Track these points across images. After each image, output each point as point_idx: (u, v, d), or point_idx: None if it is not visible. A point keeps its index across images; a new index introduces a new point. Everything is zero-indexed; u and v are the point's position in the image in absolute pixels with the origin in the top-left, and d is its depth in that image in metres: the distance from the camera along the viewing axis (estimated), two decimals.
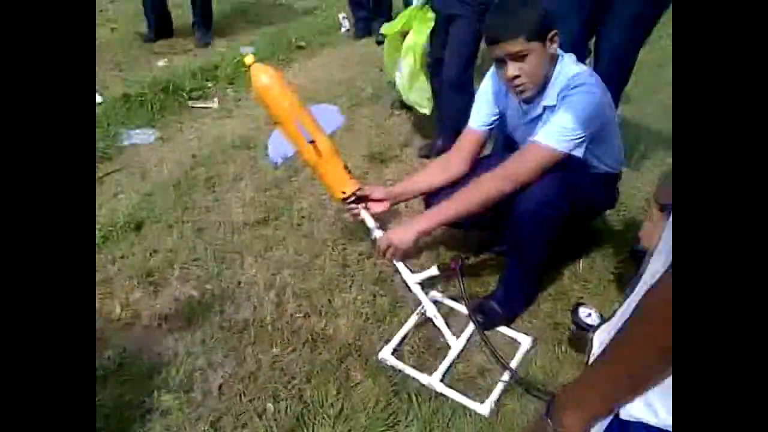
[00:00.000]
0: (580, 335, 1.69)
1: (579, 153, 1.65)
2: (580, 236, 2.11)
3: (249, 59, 1.67)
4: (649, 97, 3.33)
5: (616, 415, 0.76)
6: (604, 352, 0.77)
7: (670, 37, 3.39)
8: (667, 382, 0.70)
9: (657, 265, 0.78)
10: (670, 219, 0.72)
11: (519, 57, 1.58)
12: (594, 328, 0.91)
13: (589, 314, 1.64)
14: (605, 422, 0.77)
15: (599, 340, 0.88)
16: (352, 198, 1.77)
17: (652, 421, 0.72)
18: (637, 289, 0.81)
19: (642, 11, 2.12)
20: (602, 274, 2.02)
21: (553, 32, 1.60)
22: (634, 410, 0.73)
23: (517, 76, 1.61)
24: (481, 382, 1.66)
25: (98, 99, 3.11)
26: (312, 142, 1.65)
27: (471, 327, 1.79)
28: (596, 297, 1.93)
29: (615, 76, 2.17)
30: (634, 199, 2.38)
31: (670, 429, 0.71)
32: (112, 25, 4.11)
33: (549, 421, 0.78)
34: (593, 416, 0.74)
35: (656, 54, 3.68)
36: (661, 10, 2.15)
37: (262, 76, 1.65)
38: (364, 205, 1.80)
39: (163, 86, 3.24)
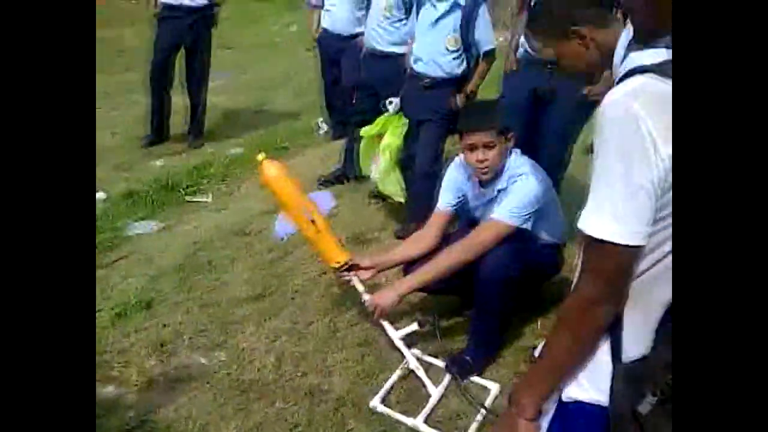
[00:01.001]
0: None
1: (527, 226, 2.05)
2: (535, 300, 2.46)
3: (261, 156, 2.06)
4: (586, 181, 3.83)
5: (560, 400, 1.06)
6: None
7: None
8: (592, 365, 1.01)
9: None
10: None
11: (489, 145, 2.02)
12: None
13: None
14: (551, 410, 1.07)
15: None
16: (345, 267, 2.12)
17: (583, 396, 1.03)
18: None
19: (570, 119, 2.63)
20: (535, 360, 2.35)
21: (511, 133, 2.06)
22: (570, 392, 1.04)
23: (486, 160, 2.03)
24: (459, 422, 1.93)
25: (103, 196, 3.45)
26: (312, 220, 2.01)
27: (448, 377, 2.09)
28: None
29: (554, 166, 2.63)
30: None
31: (599, 403, 1.01)
32: (113, 131, 4.54)
33: (510, 405, 1.08)
34: (541, 396, 1.05)
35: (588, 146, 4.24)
36: (588, 114, 2.67)
37: (272, 168, 2.03)
38: (354, 273, 2.14)
39: (163, 184, 3.61)
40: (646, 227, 0.88)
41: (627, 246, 0.89)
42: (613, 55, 1.08)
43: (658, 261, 0.94)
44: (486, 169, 2.07)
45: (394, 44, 3.19)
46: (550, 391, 1.06)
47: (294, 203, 2.05)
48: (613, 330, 0.99)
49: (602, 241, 0.90)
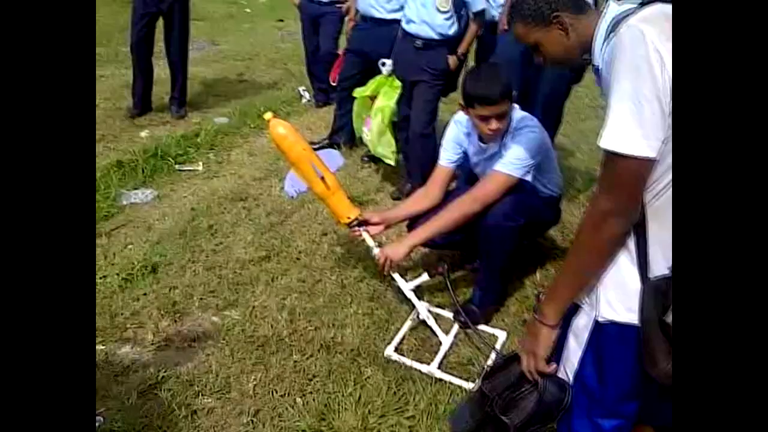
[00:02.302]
0: None
1: (529, 177, 2.13)
2: (534, 252, 2.56)
3: (268, 115, 2.07)
4: (578, 144, 3.96)
5: (596, 322, 1.14)
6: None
7: (588, 97, 4.03)
8: (623, 286, 1.09)
9: None
10: None
11: (501, 116, 2.05)
12: None
13: None
14: (589, 327, 1.16)
15: None
16: (355, 222, 2.17)
17: (617, 318, 1.12)
18: None
19: (562, 77, 2.70)
20: (556, 273, 2.47)
21: (514, 93, 2.10)
22: (605, 313, 1.12)
23: (498, 129, 2.07)
24: (470, 368, 2.03)
25: None
26: (322, 177, 2.05)
27: (456, 326, 2.17)
28: None
29: (548, 122, 2.71)
30: (572, 221, 2.88)
31: (631, 322, 1.09)
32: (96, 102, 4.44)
33: (535, 315, 1.17)
34: (562, 304, 1.14)
35: (580, 111, 4.37)
36: (577, 74, 2.76)
37: (280, 127, 2.05)
38: (364, 228, 2.20)
39: (152, 153, 3.56)
40: (655, 140, 0.95)
41: (635, 157, 0.96)
42: (591, 42, 1.14)
43: None
44: (496, 135, 2.12)
45: (393, 11, 3.20)
46: (570, 300, 1.16)
47: (303, 161, 2.07)
48: (640, 250, 1.06)
49: (614, 153, 0.98)
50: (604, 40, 1.09)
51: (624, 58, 0.95)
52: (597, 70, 1.14)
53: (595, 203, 1.05)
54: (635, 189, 1.01)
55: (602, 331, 1.13)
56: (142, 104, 4.30)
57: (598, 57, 1.12)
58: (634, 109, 0.94)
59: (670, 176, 0.99)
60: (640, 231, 1.04)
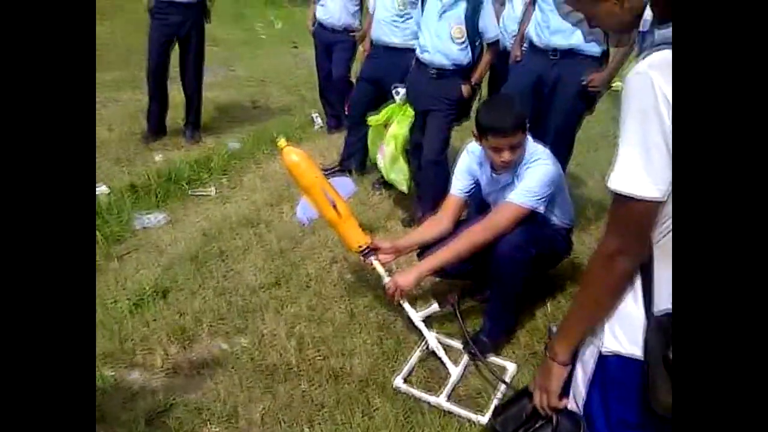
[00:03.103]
0: None
1: (541, 209, 2.13)
2: (546, 283, 2.54)
3: (282, 143, 2.09)
4: (590, 173, 3.95)
5: (600, 353, 1.14)
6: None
7: (599, 126, 4.04)
8: (628, 320, 1.09)
9: None
10: None
11: (515, 147, 2.06)
12: None
13: None
14: (593, 360, 1.15)
15: None
16: (366, 250, 2.16)
17: (621, 349, 1.11)
18: None
19: (573, 106, 2.71)
20: (567, 311, 2.44)
21: (528, 124, 2.11)
22: (609, 345, 1.12)
23: (512, 160, 2.08)
24: (479, 400, 2.00)
25: (106, 190, 3.43)
26: (333, 205, 2.06)
27: (466, 357, 2.15)
28: None
29: (559, 154, 2.72)
30: (584, 250, 2.86)
31: (634, 355, 1.09)
32: (109, 126, 4.50)
33: (546, 353, 1.17)
34: (572, 342, 1.14)
35: (591, 141, 4.38)
36: (588, 105, 2.77)
37: (293, 155, 2.07)
38: (375, 255, 2.19)
39: (165, 177, 3.60)
40: (662, 183, 0.95)
41: (644, 199, 0.96)
42: (641, 18, 1.15)
43: None
44: (509, 166, 2.12)
45: (407, 39, 3.25)
46: (581, 338, 1.16)
47: (316, 188, 2.09)
48: (645, 285, 1.07)
49: (623, 195, 0.99)
50: None
51: (633, 103, 0.97)
52: (643, 35, 1.13)
53: (604, 243, 1.06)
54: (643, 229, 1.01)
55: (606, 362, 1.13)
56: (157, 128, 4.36)
57: (648, 23, 1.12)
58: (643, 154, 0.95)
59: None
60: (645, 267, 1.04)
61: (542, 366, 1.22)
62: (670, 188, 0.97)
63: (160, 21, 4.15)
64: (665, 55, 0.95)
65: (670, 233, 1.02)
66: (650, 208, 0.98)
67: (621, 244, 1.03)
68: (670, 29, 1.01)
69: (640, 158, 0.95)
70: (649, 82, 0.94)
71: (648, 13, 1.15)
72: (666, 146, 0.94)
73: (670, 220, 1.01)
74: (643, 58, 1.03)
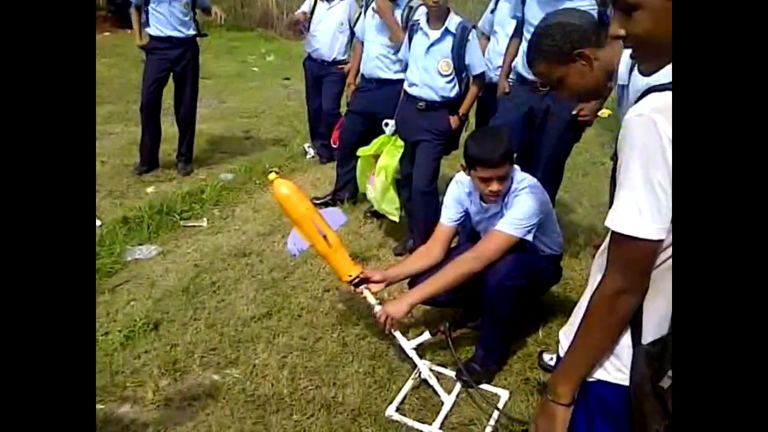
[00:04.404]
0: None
1: (530, 237, 2.16)
2: (536, 310, 2.56)
3: (272, 175, 2.13)
4: (579, 199, 4.01)
5: (585, 379, 1.15)
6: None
7: (588, 152, 4.13)
8: (615, 349, 1.11)
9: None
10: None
11: (503, 178, 2.11)
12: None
13: (551, 358, 2.05)
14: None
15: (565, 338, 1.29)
16: (357, 280, 2.18)
17: (606, 377, 1.12)
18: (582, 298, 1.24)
19: (562, 138, 2.78)
20: (558, 337, 2.45)
21: (515, 155, 2.16)
22: (594, 373, 1.13)
23: (500, 190, 2.13)
24: (472, 428, 2.00)
25: (98, 223, 3.45)
26: (324, 236, 2.08)
27: (458, 385, 2.16)
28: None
29: (548, 184, 2.77)
30: (574, 276, 2.89)
31: (621, 382, 1.11)
32: (102, 159, 4.53)
33: (547, 395, 1.17)
34: (575, 382, 1.14)
35: (579, 167, 4.45)
36: (578, 134, 2.83)
37: (283, 187, 2.11)
38: (365, 285, 2.21)
39: (157, 209, 3.62)
40: (664, 223, 0.98)
41: (648, 240, 0.99)
42: (615, 72, 1.19)
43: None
44: (497, 196, 2.17)
45: (398, 71, 3.34)
46: (583, 377, 1.15)
47: (306, 220, 2.11)
48: (633, 316, 1.08)
49: (626, 236, 1.01)
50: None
51: (636, 145, 0.98)
52: (622, 88, 1.17)
53: (607, 283, 1.06)
54: (646, 268, 1.03)
55: (591, 388, 1.13)
56: (150, 161, 4.39)
57: (625, 76, 1.15)
58: (647, 195, 0.97)
59: (666, 254, 1.03)
60: None
61: (543, 408, 1.20)
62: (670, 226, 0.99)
63: (158, 56, 4.22)
64: (666, 98, 0.98)
65: (658, 268, 1.05)
66: (652, 247, 1.00)
67: (624, 283, 1.04)
68: (664, 71, 1.06)
69: (644, 200, 0.97)
70: (652, 125, 0.96)
71: (622, 67, 1.20)
72: (668, 185, 0.96)
73: (661, 258, 1.04)
74: (638, 100, 1.06)
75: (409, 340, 2.20)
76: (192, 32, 4.29)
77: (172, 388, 2.16)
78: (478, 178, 2.13)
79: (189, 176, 4.40)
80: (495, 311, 2.13)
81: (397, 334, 2.17)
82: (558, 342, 1.26)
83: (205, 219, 3.66)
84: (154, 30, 4.15)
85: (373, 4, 3.40)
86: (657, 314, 1.07)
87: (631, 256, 1.03)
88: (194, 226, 3.57)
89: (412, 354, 2.15)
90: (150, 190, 4.08)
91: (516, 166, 2.24)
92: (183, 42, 4.22)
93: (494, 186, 2.11)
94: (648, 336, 1.08)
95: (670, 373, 1.05)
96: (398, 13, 3.26)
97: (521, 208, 2.14)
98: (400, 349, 2.24)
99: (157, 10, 4.09)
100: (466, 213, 2.38)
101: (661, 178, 0.97)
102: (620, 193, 1.03)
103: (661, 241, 1.00)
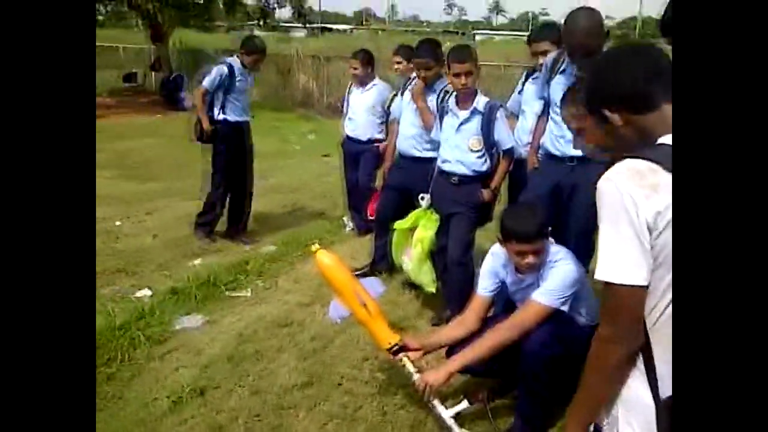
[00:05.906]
0: None
1: (565, 308, 2.22)
2: (576, 381, 2.55)
3: (315, 247, 2.27)
4: None
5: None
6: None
7: None
8: (639, 407, 1.16)
9: None
10: None
11: (538, 252, 2.21)
12: None
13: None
14: None
15: None
16: (396, 348, 2.26)
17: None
18: None
19: (591, 211, 2.86)
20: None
21: (548, 230, 2.26)
22: (622, 430, 1.18)
23: (536, 264, 2.22)
24: None
25: (148, 293, 3.65)
26: (364, 304, 2.19)
27: None
28: None
29: (581, 256, 2.83)
30: None
31: None
32: (153, 233, 4.81)
33: None
34: (583, 424, 1.21)
35: None
36: None
37: (326, 258, 2.24)
38: (405, 353, 2.28)
39: (204, 280, 3.80)
40: (640, 269, 1.07)
41: (629, 285, 1.07)
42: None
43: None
44: (533, 268, 2.25)
45: (430, 150, 3.54)
46: (591, 420, 1.24)
47: (347, 289, 2.23)
48: (649, 370, 1.15)
49: (608, 284, 1.10)
50: None
51: (604, 207, 1.11)
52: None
53: (599, 331, 1.16)
54: (632, 315, 1.11)
55: None
56: (210, 232, 4.75)
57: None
58: (621, 247, 1.08)
59: (663, 303, 1.10)
60: (647, 352, 1.12)
61: None
62: (652, 274, 1.08)
63: (234, 142, 4.62)
64: (633, 163, 1.10)
65: (660, 320, 1.12)
66: (635, 293, 1.09)
67: (613, 331, 1.13)
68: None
69: (619, 252, 1.08)
70: (614, 186, 1.09)
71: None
72: (638, 239, 1.06)
73: (660, 309, 1.11)
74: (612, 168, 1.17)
75: (447, 408, 2.24)
76: (247, 117, 4.71)
77: None
78: (513, 251, 2.23)
79: (234, 248, 4.61)
80: (531, 380, 2.16)
81: (436, 402, 2.21)
82: None
83: (249, 289, 3.81)
84: (231, 116, 4.56)
85: (410, 87, 3.66)
86: (668, 366, 1.13)
87: (617, 303, 1.11)
88: (239, 296, 3.72)
89: (451, 422, 2.18)
90: (197, 262, 4.29)
91: (551, 239, 2.33)
92: (248, 125, 4.64)
93: (530, 259, 2.20)
94: (666, 389, 1.13)
95: None
96: (433, 97, 3.49)
97: (556, 280, 2.21)
98: (440, 419, 2.26)
99: (238, 99, 4.56)
100: (502, 283, 2.46)
101: (629, 233, 1.07)
102: (600, 249, 1.14)
103: (643, 287, 1.08)
